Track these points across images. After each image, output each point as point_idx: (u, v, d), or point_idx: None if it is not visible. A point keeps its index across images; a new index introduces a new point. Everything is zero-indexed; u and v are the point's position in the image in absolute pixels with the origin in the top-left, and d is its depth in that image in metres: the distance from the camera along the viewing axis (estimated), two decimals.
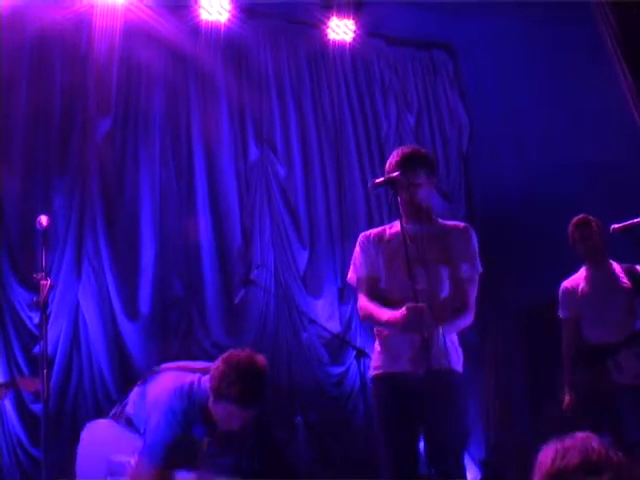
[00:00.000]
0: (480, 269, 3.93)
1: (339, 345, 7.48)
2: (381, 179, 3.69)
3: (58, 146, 6.87)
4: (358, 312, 4.04)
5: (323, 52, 8.43)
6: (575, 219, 5.35)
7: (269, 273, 7.43)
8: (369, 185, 3.70)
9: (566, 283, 5.44)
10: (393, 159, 3.81)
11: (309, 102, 8.29)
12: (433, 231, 3.91)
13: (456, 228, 3.98)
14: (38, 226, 3.49)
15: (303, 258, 7.76)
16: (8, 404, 6.01)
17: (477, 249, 3.94)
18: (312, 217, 7.94)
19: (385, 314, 3.72)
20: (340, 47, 8.43)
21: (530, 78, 8.10)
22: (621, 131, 6.88)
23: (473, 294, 3.86)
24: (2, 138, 6.56)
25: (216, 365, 3.57)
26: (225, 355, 3.62)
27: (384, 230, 4.02)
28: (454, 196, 8.67)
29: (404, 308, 3.54)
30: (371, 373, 3.95)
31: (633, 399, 4.91)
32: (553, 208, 7.59)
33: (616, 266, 5.29)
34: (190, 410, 3.56)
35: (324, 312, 7.57)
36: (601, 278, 5.29)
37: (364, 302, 3.90)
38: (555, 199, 7.57)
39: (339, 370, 7.54)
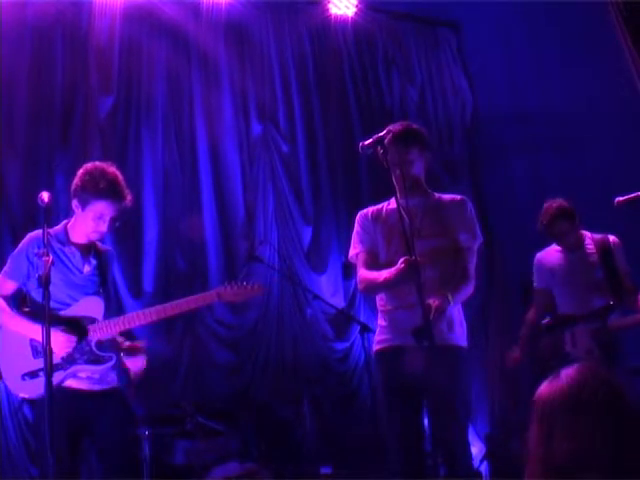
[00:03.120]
0: (480, 238, 3.95)
1: (343, 321, 7.48)
2: (369, 140, 3.67)
3: (60, 125, 6.86)
4: (358, 285, 4.07)
5: (325, 27, 8.36)
6: (554, 209, 5.30)
7: (273, 249, 7.42)
8: (359, 147, 3.67)
9: (539, 255, 5.50)
10: (383, 136, 3.80)
11: (312, 77, 8.25)
12: (429, 204, 3.93)
13: (452, 200, 4.01)
14: (40, 203, 3.49)
15: (307, 234, 7.76)
16: None
17: (475, 219, 3.95)
18: (316, 193, 7.92)
19: (382, 274, 3.77)
20: (342, 22, 8.38)
21: (533, 53, 8.06)
22: (624, 104, 6.86)
23: (472, 263, 3.88)
24: (4, 117, 6.55)
25: (75, 181, 3.94)
26: (80, 170, 3.98)
27: (382, 207, 4.05)
28: (458, 171, 8.63)
29: (400, 261, 3.57)
30: (374, 347, 3.96)
31: None
32: (557, 181, 7.59)
33: (588, 239, 5.31)
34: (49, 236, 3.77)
35: (328, 288, 7.58)
36: (574, 257, 5.32)
37: (362, 273, 3.94)
38: (559, 172, 7.57)
39: (344, 346, 7.55)
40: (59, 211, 6.45)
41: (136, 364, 4.00)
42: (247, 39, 8.00)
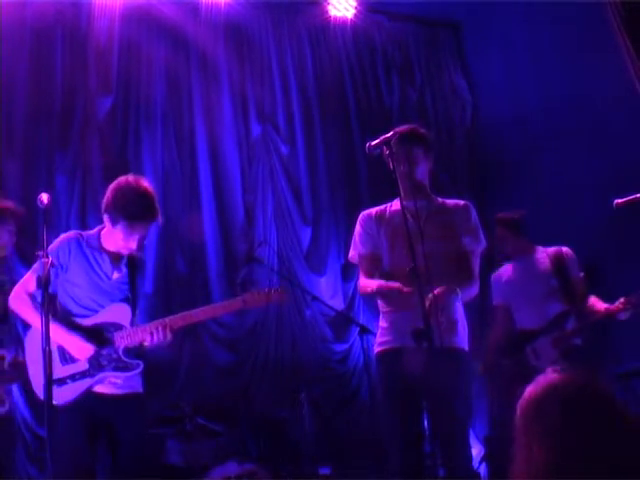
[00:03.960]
0: (484, 243, 3.96)
1: (343, 322, 7.48)
2: (376, 141, 3.67)
3: (59, 125, 6.86)
4: (358, 290, 4.09)
5: (324, 28, 8.38)
6: (496, 218, 5.51)
7: (272, 250, 7.42)
8: (366, 148, 3.67)
9: (494, 274, 5.63)
10: (390, 137, 3.80)
11: (311, 79, 8.25)
12: (433, 208, 3.94)
13: (456, 205, 4.03)
14: (39, 204, 3.47)
15: (306, 235, 7.76)
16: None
17: (479, 225, 3.96)
18: (315, 194, 7.92)
19: (381, 286, 3.82)
20: (342, 23, 8.39)
21: (533, 54, 8.06)
22: (623, 106, 6.86)
23: (477, 265, 3.92)
24: (4, 118, 6.55)
25: (107, 196, 3.85)
26: (112, 185, 3.87)
27: (385, 208, 4.06)
28: (457, 173, 8.63)
29: (400, 286, 3.65)
30: (376, 349, 3.97)
31: None
32: (556, 182, 7.59)
33: (541, 252, 5.39)
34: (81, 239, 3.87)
35: (327, 289, 7.57)
36: (525, 266, 5.44)
37: (362, 281, 3.99)
38: (558, 174, 7.58)
39: (343, 347, 7.55)
40: (59, 212, 6.46)
41: None
42: (246, 40, 8.00)
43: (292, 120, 8.06)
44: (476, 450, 7.38)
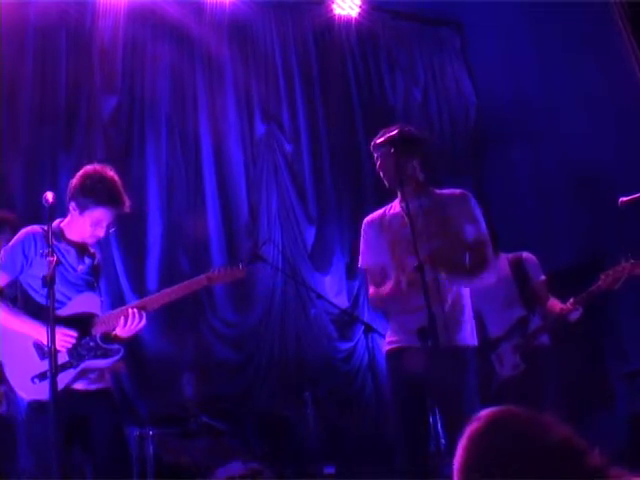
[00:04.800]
0: (485, 229, 3.93)
1: (347, 321, 7.48)
2: (382, 138, 3.68)
3: (64, 124, 6.87)
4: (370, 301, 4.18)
5: (329, 27, 8.37)
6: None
7: (276, 249, 7.42)
8: (371, 146, 3.68)
9: None
10: (379, 139, 3.85)
11: (315, 78, 8.25)
12: (431, 204, 3.91)
13: (452, 196, 3.97)
14: (44, 202, 3.46)
15: (310, 234, 7.76)
16: None
17: (479, 211, 3.93)
18: (319, 193, 7.92)
19: (386, 291, 3.85)
20: (346, 22, 8.38)
21: (536, 54, 8.05)
22: (626, 100, 6.86)
23: (488, 252, 3.85)
24: (8, 117, 6.56)
25: (74, 183, 3.84)
26: (79, 172, 3.88)
27: (384, 212, 4.05)
28: (460, 170, 8.62)
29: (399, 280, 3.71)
30: (385, 348, 3.99)
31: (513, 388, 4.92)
32: (559, 180, 7.59)
33: (503, 258, 5.31)
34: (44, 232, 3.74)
35: (332, 288, 7.57)
36: None
37: (371, 290, 4.02)
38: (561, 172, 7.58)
39: (347, 346, 7.54)
40: (63, 211, 6.45)
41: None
42: (251, 39, 8.01)
43: (296, 119, 8.06)
44: None
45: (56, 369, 3.14)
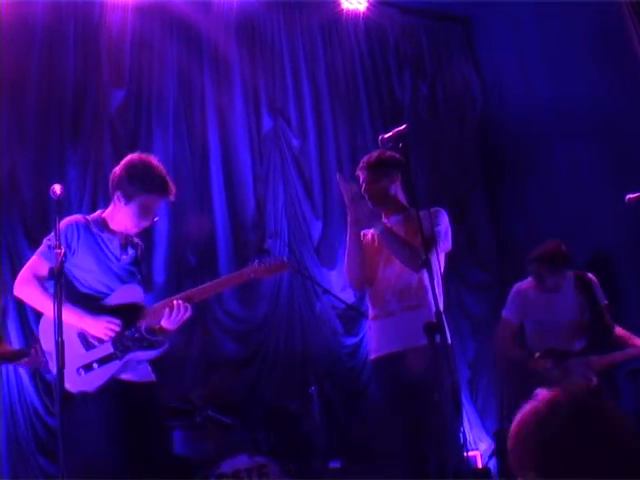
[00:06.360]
0: (448, 245, 3.99)
1: (353, 316, 7.48)
2: (389, 134, 3.71)
3: (71, 118, 6.89)
4: None
5: (337, 22, 8.36)
6: (545, 251, 5.30)
7: (283, 243, 7.43)
8: (379, 141, 3.71)
9: (518, 286, 5.47)
10: (360, 167, 4.10)
11: (323, 72, 8.24)
12: (405, 219, 4.07)
13: (426, 212, 3.93)
14: (52, 195, 3.46)
15: (317, 228, 7.76)
16: (24, 374, 6.06)
17: (447, 225, 4.04)
18: (326, 188, 7.91)
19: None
20: (354, 17, 8.37)
21: (544, 48, 8.03)
22: (636, 99, 6.84)
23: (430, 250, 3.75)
24: (16, 111, 6.58)
25: (118, 173, 3.85)
26: (123, 162, 3.87)
27: (366, 232, 4.17)
28: (468, 167, 8.62)
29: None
30: (370, 356, 4.08)
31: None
32: (569, 178, 7.58)
33: (568, 278, 5.28)
34: (87, 222, 3.81)
35: (338, 282, 7.57)
36: (551, 295, 5.30)
37: None
38: (571, 169, 7.56)
39: (353, 340, 7.55)
40: (70, 205, 6.48)
41: None
42: (258, 34, 8.00)
43: (303, 113, 8.06)
44: (485, 445, 7.40)
45: (62, 362, 3.13)
